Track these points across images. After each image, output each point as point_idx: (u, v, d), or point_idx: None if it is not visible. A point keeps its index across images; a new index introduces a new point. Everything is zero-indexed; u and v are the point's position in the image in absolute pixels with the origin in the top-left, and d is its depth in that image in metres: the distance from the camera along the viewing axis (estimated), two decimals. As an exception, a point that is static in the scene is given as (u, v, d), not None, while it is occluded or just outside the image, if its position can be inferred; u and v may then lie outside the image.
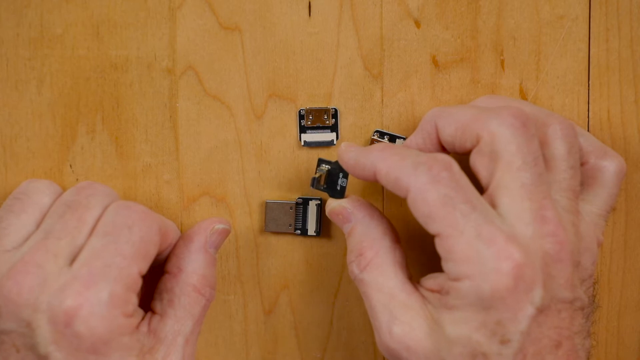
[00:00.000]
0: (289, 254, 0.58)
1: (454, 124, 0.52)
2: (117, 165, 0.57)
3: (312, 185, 0.55)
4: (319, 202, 0.58)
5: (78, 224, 0.52)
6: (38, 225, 0.53)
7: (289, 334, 0.59)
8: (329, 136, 0.57)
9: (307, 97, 0.57)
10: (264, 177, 0.58)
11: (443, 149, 0.54)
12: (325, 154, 0.58)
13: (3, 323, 0.50)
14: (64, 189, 0.56)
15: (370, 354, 0.59)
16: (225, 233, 0.56)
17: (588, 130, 0.58)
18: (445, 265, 0.49)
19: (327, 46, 0.57)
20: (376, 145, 0.52)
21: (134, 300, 0.51)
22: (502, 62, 0.57)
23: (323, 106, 0.57)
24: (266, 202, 0.58)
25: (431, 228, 0.49)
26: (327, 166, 0.55)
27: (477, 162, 0.51)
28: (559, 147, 0.52)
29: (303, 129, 0.57)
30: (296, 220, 0.58)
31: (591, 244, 0.52)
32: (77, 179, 0.57)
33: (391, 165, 0.51)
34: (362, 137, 0.58)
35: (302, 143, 0.57)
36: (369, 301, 0.52)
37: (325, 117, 0.57)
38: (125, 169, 0.57)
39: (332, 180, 0.55)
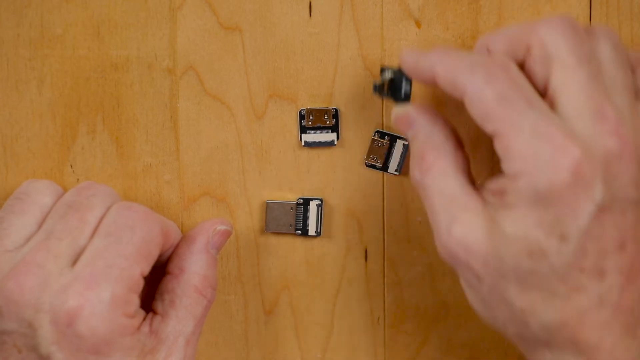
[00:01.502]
0: (289, 254, 0.58)
1: (503, 40, 0.52)
2: (117, 165, 0.57)
3: (375, 91, 0.54)
4: (320, 202, 0.58)
5: (79, 224, 0.52)
6: (39, 226, 0.53)
7: (289, 334, 0.59)
8: (329, 136, 0.57)
9: (308, 97, 0.57)
10: (264, 177, 0.58)
11: None
12: (325, 154, 0.58)
13: (4, 323, 0.50)
14: (65, 189, 0.56)
15: (371, 354, 0.59)
16: (227, 234, 0.56)
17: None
18: (503, 164, 0.49)
19: (327, 46, 0.57)
20: (438, 48, 0.52)
21: (136, 301, 0.51)
22: (503, 62, 0.57)
23: (324, 106, 0.57)
24: (267, 203, 0.58)
25: (488, 128, 0.49)
26: (390, 73, 0.54)
27: (532, 71, 0.50)
28: (604, 48, 0.51)
29: (303, 129, 0.57)
30: (297, 220, 0.58)
31: None
32: (77, 179, 0.57)
33: (448, 66, 0.50)
34: (363, 137, 0.58)
35: (303, 143, 0.57)
36: (429, 205, 0.51)
37: (326, 117, 0.57)
38: (125, 169, 0.57)
39: (395, 86, 0.54)
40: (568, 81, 0.49)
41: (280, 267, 0.59)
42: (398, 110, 0.53)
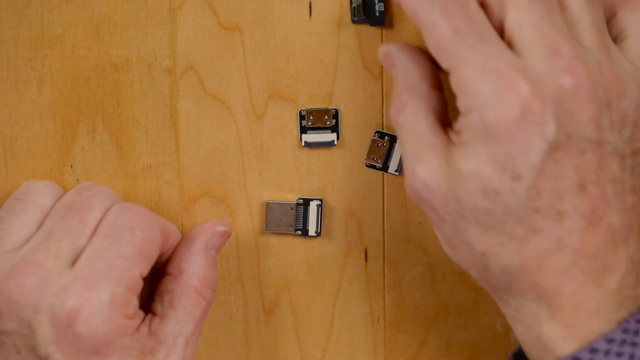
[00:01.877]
0: (289, 254, 0.58)
1: None
2: (117, 165, 0.57)
3: (353, 16, 0.56)
4: (320, 202, 0.58)
5: (79, 225, 0.52)
6: (39, 226, 0.53)
7: (289, 335, 0.59)
8: (329, 137, 0.57)
9: (308, 97, 0.57)
10: (264, 177, 0.58)
11: None
12: (325, 154, 0.58)
13: (4, 324, 0.50)
14: (65, 190, 0.56)
15: (371, 354, 0.59)
16: (227, 235, 0.56)
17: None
18: (457, 101, 0.48)
19: (327, 46, 0.57)
20: None
21: (135, 301, 0.51)
22: (503, 62, 0.57)
23: (324, 106, 0.57)
24: (267, 203, 0.58)
25: (443, 63, 0.48)
26: None
27: (488, 11, 0.49)
28: None
29: (303, 130, 0.57)
30: (297, 220, 0.58)
31: (629, 88, 0.49)
32: (77, 180, 0.57)
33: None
34: (363, 137, 0.57)
35: (303, 143, 0.57)
36: (401, 143, 0.51)
37: (326, 117, 0.57)
38: (125, 169, 0.57)
39: (369, 8, 0.56)
40: (521, 19, 0.48)
41: (280, 267, 0.59)
42: (381, 50, 0.53)
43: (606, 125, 0.48)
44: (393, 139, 0.57)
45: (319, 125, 0.57)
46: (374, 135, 0.57)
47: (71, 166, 0.57)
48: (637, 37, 0.51)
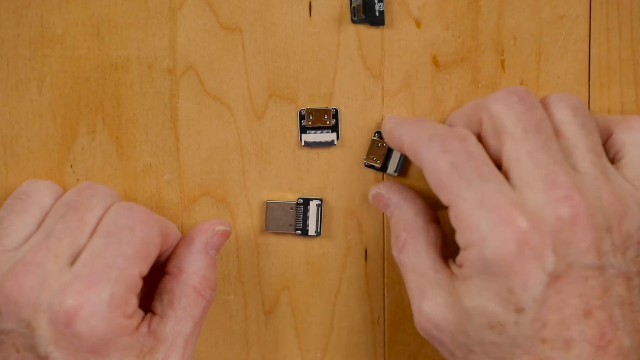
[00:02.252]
0: (289, 254, 0.58)
1: (460, 116, 0.53)
2: (117, 165, 0.57)
3: (353, 16, 0.56)
4: (320, 202, 0.58)
5: (79, 224, 0.52)
6: (39, 226, 0.53)
7: (289, 334, 0.59)
8: (329, 136, 0.57)
9: (308, 97, 0.57)
10: (264, 177, 0.58)
11: None
12: (325, 154, 0.58)
13: (3, 323, 0.50)
14: (65, 189, 0.56)
15: (371, 354, 0.59)
16: (226, 235, 0.56)
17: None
18: (456, 236, 0.49)
19: (327, 46, 0.57)
20: (410, 118, 0.54)
21: (134, 301, 0.51)
22: (503, 62, 0.57)
23: (323, 106, 0.57)
24: (267, 203, 0.58)
25: (442, 198, 0.49)
26: None
27: (486, 144, 0.51)
28: (562, 111, 0.51)
29: (303, 129, 0.57)
30: (297, 220, 0.58)
31: (630, 209, 0.49)
32: (77, 179, 0.57)
33: (413, 137, 0.51)
34: (363, 137, 0.57)
35: (303, 143, 0.57)
36: (406, 282, 0.52)
37: (326, 117, 0.57)
38: (125, 169, 0.58)
39: (369, 8, 0.56)
40: (517, 152, 0.49)
41: (280, 267, 0.59)
42: (372, 192, 0.55)
43: (608, 249, 0.48)
44: None
45: (318, 125, 0.57)
46: (374, 136, 0.57)
47: (71, 166, 0.57)
48: (634, 155, 0.52)
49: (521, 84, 0.57)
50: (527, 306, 0.48)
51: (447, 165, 0.49)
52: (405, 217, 0.54)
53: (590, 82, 0.57)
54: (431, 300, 0.50)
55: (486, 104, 0.51)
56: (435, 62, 0.57)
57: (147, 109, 0.57)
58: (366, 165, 0.57)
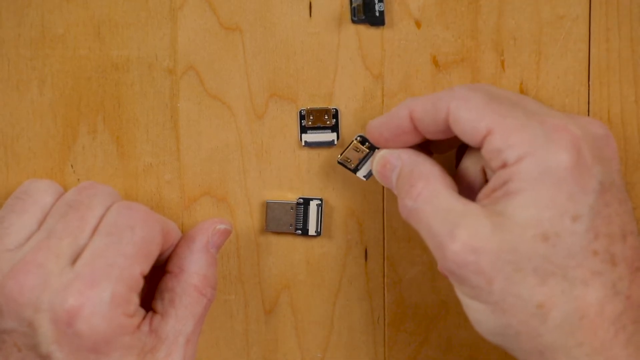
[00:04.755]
0: (289, 253, 0.59)
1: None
2: (118, 165, 0.58)
3: (353, 16, 0.56)
4: (320, 202, 0.58)
5: (80, 223, 0.52)
6: (40, 225, 0.53)
7: (289, 334, 0.59)
8: (329, 136, 0.58)
9: (308, 97, 0.58)
10: (264, 177, 0.58)
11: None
12: (325, 154, 0.58)
13: (4, 322, 0.50)
14: (66, 189, 0.56)
15: (371, 354, 0.59)
16: (227, 233, 0.56)
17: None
18: (503, 155, 0.49)
19: (327, 46, 0.57)
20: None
21: (136, 300, 0.51)
22: (503, 62, 0.57)
23: (324, 106, 0.58)
24: (267, 202, 0.58)
25: (481, 126, 0.49)
26: None
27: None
28: None
29: (304, 129, 0.58)
30: (297, 220, 0.58)
31: None
32: (78, 179, 0.57)
33: (425, 98, 0.52)
34: (363, 137, 0.58)
35: (303, 143, 0.58)
36: (426, 226, 0.50)
37: (326, 117, 0.57)
38: (126, 168, 0.58)
39: (369, 8, 0.56)
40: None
41: (280, 266, 0.59)
42: (376, 157, 0.54)
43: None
44: (372, 148, 0.57)
45: (319, 125, 0.57)
46: (356, 139, 0.57)
47: (72, 166, 0.57)
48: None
49: (521, 84, 0.57)
50: (584, 214, 0.48)
51: (482, 97, 0.50)
52: (420, 167, 0.52)
53: (590, 82, 0.58)
54: (466, 227, 0.49)
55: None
56: (435, 62, 0.57)
57: (147, 108, 0.57)
58: (338, 162, 0.57)
